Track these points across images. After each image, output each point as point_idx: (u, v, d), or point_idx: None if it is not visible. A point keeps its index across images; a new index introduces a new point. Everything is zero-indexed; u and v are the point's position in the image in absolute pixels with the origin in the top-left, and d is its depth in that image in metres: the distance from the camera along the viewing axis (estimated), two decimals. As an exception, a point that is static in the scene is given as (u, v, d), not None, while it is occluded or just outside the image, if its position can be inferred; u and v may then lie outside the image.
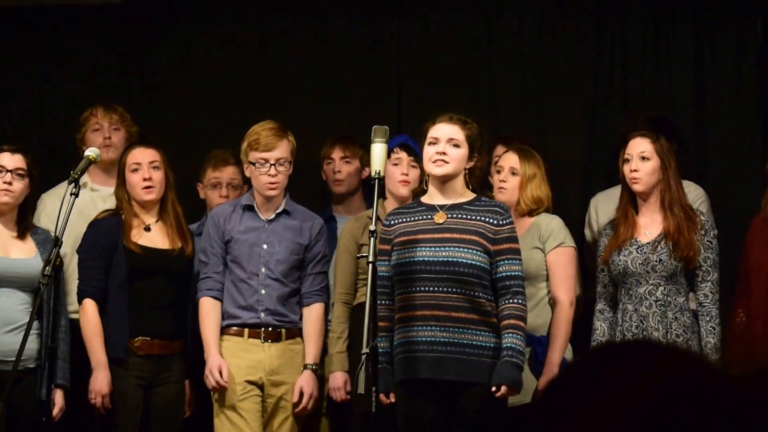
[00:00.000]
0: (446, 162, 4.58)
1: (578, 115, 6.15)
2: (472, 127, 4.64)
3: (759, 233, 5.05)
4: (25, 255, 5.02)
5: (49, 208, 5.26)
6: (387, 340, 4.55)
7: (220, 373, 4.89)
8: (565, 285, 4.97)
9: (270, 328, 5.01)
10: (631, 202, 4.93)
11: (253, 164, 5.02)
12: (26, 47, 6.46)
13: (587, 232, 5.59)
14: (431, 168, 4.60)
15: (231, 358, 4.97)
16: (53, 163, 5.86)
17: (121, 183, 5.12)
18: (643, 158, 4.85)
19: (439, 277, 4.48)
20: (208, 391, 4.99)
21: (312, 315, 5.06)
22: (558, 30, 6.19)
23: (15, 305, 4.93)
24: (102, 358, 4.95)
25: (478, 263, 4.50)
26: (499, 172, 5.10)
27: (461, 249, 4.50)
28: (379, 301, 4.48)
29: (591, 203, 5.65)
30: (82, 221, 5.13)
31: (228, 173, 5.64)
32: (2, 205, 5.02)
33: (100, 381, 4.93)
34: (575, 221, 5.58)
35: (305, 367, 5.01)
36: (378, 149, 4.38)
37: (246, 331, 4.99)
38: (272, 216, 5.08)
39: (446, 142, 4.58)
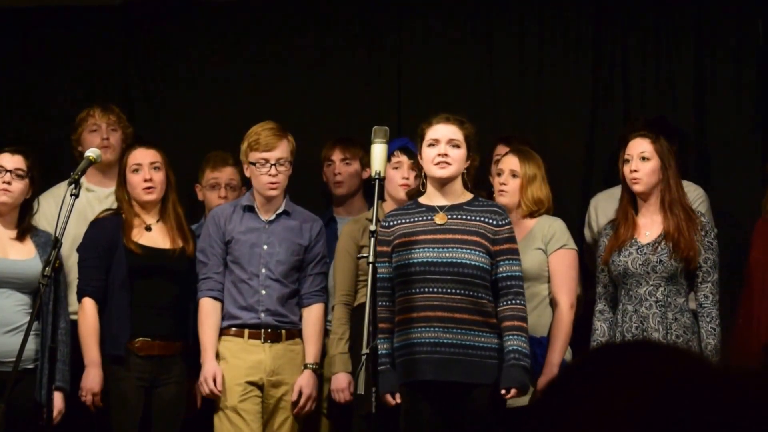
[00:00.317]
0: (449, 164, 4.57)
1: (578, 115, 6.15)
2: (468, 126, 4.64)
3: (760, 236, 5.04)
4: (24, 256, 5.02)
5: (45, 209, 5.25)
6: (388, 342, 4.54)
7: (215, 382, 4.89)
8: (566, 287, 4.97)
9: (270, 329, 5.01)
10: (631, 202, 4.93)
11: (254, 164, 5.02)
12: (26, 47, 6.46)
13: (587, 232, 5.59)
14: (434, 170, 4.58)
15: (231, 359, 4.97)
16: (52, 164, 5.85)
17: (122, 183, 5.12)
18: (643, 158, 4.85)
19: (443, 278, 4.47)
20: (209, 391, 5.00)
21: (312, 315, 5.06)
22: (558, 30, 6.19)
23: (14, 306, 4.93)
24: (95, 357, 4.94)
25: (481, 264, 4.50)
26: (499, 174, 5.09)
27: (464, 250, 4.49)
28: (379, 303, 4.46)
29: (591, 203, 5.65)
30: (79, 222, 5.12)
31: (227, 174, 5.64)
32: (1, 205, 5.02)
33: (92, 379, 4.93)
34: (575, 222, 5.58)
35: (305, 366, 5.01)
36: (378, 150, 4.37)
37: (246, 331, 4.99)
38: (272, 217, 5.08)
39: (446, 143, 4.57)
